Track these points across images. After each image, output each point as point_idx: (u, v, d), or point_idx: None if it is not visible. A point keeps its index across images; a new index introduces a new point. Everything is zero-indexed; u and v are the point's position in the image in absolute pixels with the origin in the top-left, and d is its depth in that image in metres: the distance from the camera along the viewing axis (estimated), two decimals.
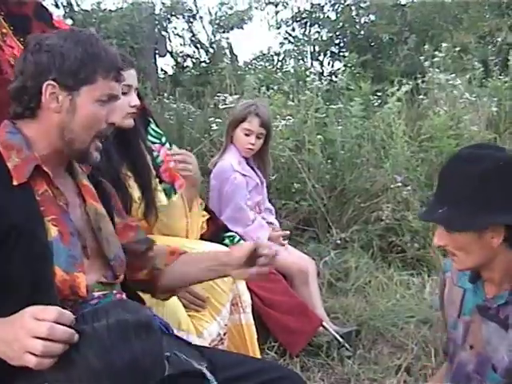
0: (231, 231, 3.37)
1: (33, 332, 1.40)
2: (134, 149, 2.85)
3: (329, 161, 5.25)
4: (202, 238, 3.12)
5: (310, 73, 6.47)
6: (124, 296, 1.84)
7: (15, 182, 1.64)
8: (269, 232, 3.73)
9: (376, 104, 6.10)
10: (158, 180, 3.00)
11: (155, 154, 3.06)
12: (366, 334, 3.58)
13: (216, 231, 3.30)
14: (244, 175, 3.71)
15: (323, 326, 3.51)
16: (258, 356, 2.90)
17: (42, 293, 1.60)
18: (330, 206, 5.09)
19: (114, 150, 2.68)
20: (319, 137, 5.16)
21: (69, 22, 8.38)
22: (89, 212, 1.82)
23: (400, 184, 4.89)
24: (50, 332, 1.40)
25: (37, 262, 1.61)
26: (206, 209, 3.25)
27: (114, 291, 1.81)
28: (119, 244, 1.90)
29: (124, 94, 2.59)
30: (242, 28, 8.98)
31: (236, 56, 8.99)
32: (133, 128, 2.74)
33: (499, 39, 8.07)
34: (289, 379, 1.87)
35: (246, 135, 3.69)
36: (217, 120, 5.70)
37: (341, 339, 3.48)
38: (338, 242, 4.85)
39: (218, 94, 6.18)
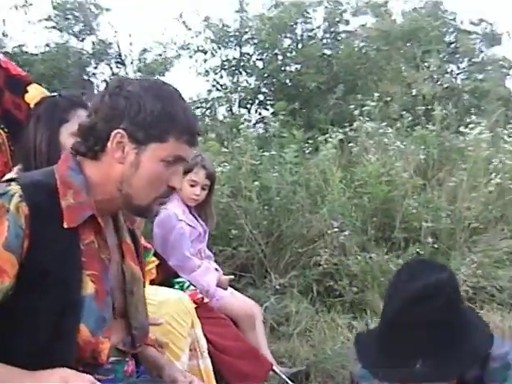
0: (180, 277, 3.39)
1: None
2: None
3: (265, 207, 5.31)
4: (152, 283, 3.11)
5: (244, 120, 6.53)
6: (133, 364, 1.80)
7: (65, 225, 1.57)
8: (217, 276, 3.74)
9: (308, 151, 6.21)
10: None
11: None
12: (315, 376, 3.62)
13: (166, 277, 3.31)
14: (189, 225, 3.72)
15: (273, 370, 3.52)
16: None
17: (60, 346, 1.54)
18: (268, 251, 5.14)
19: None
20: (256, 183, 5.21)
21: None
22: (125, 272, 1.74)
23: (337, 229, 4.98)
24: None
25: (64, 315, 1.54)
26: (156, 254, 3.24)
27: (127, 358, 1.76)
28: (146, 313, 1.84)
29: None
30: (163, 75, 9.06)
31: None
32: None
33: (413, 91, 8.41)
34: None
35: (192, 186, 3.71)
36: None
37: (290, 383, 3.50)
38: (277, 287, 4.89)
39: None
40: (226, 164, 5.45)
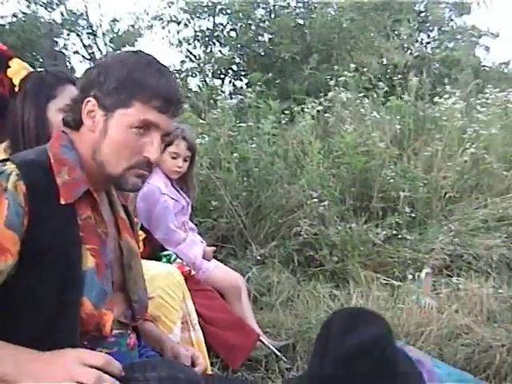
0: (167, 250, 3.41)
1: (79, 379, 1.38)
2: None
3: (244, 178, 5.34)
4: (140, 256, 3.13)
5: (220, 91, 6.53)
6: (135, 337, 1.82)
7: (62, 201, 1.57)
8: (203, 247, 3.77)
9: (285, 122, 6.24)
10: None
11: None
12: (301, 346, 3.66)
13: (153, 250, 3.34)
14: (172, 198, 3.73)
15: (260, 340, 3.57)
16: (209, 371, 2.95)
17: (64, 321, 1.54)
18: (248, 222, 5.19)
19: None
20: (235, 155, 5.23)
21: None
22: (123, 247, 1.75)
23: (316, 200, 5.03)
24: (98, 382, 1.39)
25: (66, 290, 1.54)
26: (142, 228, 3.26)
27: (129, 331, 1.77)
28: (145, 287, 1.86)
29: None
30: (133, 45, 8.99)
31: None
32: None
33: (384, 60, 8.46)
34: None
35: (173, 158, 3.71)
36: None
37: (278, 353, 3.56)
38: (258, 257, 4.94)
39: None
40: (205, 136, 5.45)
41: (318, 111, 6.41)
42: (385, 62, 8.55)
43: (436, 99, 6.41)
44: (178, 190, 3.82)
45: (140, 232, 3.17)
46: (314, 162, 5.23)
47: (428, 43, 10.84)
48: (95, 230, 1.63)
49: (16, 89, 2.72)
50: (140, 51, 1.68)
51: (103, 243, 1.65)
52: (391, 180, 5.29)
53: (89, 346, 1.56)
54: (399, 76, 7.11)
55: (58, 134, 1.69)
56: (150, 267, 2.83)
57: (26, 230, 1.50)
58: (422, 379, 1.81)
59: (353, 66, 6.80)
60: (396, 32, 9.22)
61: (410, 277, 4.52)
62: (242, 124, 5.91)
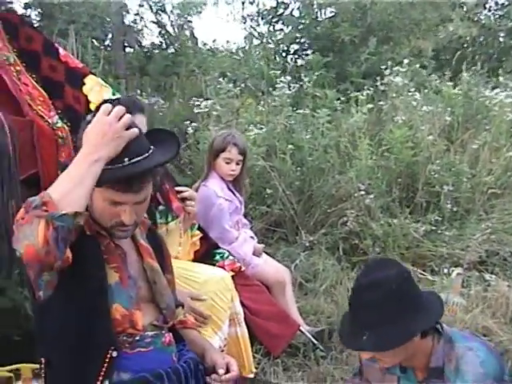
0: (221, 248, 3.84)
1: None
2: None
3: (298, 168, 5.69)
4: (197, 253, 3.57)
5: (280, 74, 6.83)
6: (171, 336, 2.26)
7: (88, 232, 2.06)
8: (253, 244, 4.18)
9: (340, 109, 6.52)
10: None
11: None
12: (337, 336, 4.05)
13: (208, 248, 3.75)
14: (226, 199, 4.15)
15: (300, 330, 4.00)
16: (252, 362, 3.41)
17: (98, 323, 2.04)
18: (299, 210, 5.56)
19: None
20: (290, 146, 5.58)
21: (36, 13, 8.54)
22: (146, 268, 2.24)
23: (363, 192, 5.37)
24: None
25: (95, 300, 2.04)
26: (199, 228, 3.68)
27: (163, 331, 2.23)
28: (172, 297, 2.32)
29: None
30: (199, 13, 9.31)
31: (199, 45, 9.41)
32: None
33: (451, 28, 8.45)
34: None
35: (227, 163, 4.14)
36: (192, 124, 6.11)
37: (315, 341, 3.98)
38: (307, 244, 5.34)
39: (194, 99, 6.54)
40: (262, 126, 5.80)
41: (373, 98, 6.67)
42: (451, 30, 8.51)
43: (487, 93, 6.54)
44: (232, 191, 4.22)
45: (197, 232, 3.62)
46: (363, 156, 5.53)
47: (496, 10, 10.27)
48: (116, 252, 2.14)
49: (91, 105, 3.14)
50: None
51: (124, 261, 2.15)
52: (436, 175, 5.55)
53: (128, 345, 2.08)
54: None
55: None
56: (202, 272, 3.28)
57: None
58: (432, 320, 2.15)
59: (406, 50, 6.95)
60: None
61: (446, 271, 4.86)
62: (299, 111, 6.20)
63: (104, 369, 2.03)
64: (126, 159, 2.00)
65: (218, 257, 3.78)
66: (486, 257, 5.08)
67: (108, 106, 2.05)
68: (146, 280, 2.22)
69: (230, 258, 3.81)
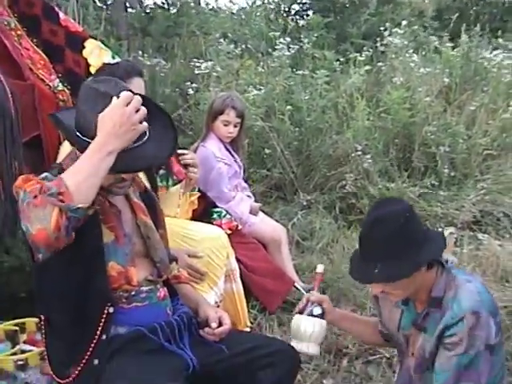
0: (218, 207, 3.95)
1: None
2: None
3: (296, 128, 5.76)
4: (194, 212, 3.68)
5: (280, 35, 6.85)
6: (165, 290, 2.38)
7: None
8: (250, 203, 4.29)
9: (338, 70, 6.56)
10: None
11: None
12: (331, 293, 4.17)
13: (206, 207, 3.86)
14: (226, 163, 4.24)
15: (295, 287, 4.13)
16: (247, 317, 3.55)
17: (96, 280, 2.15)
18: (298, 172, 5.66)
19: None
20: (288, 107, 5.65)
21: None
22: (139, 224, 2.33)
23: (360, 152, 5.45)
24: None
25: (92, 258, 2.14)
26: (199, 189, 3.78)
27: (158, 286, 2.34)
28: (165, 251, 2.43)
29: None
30: None
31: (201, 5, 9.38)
32: None
33: None
34: (284, 351, 2.45)
35: (225, 125, 4.23)
36: (193, 85, 6.17)
37: None
38: (304, 203, 5.45)
39: (194, 60, 6.59)
40: (261, 87, 5.86)
41: (372, 59, 6.71)
42: None
43: (487, 54, 6.58)
44: (230, 152, 4.32)
45: (195, 192, 3.72)
46: (360, 116, 5.60)
47: None
48: (110, 211, 2.23)
49: (91, 69, 3.22)
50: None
51: (119, 219, 2.24)
52: (432, 136, 5.63)
53: (125, 299, 2.20)
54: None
55: None
56: (199, 230, 3.39)
57: None
58: (438, 250, 2.26)
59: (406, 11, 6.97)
60: None
61: (440, 230, 4.96)
62: (298, 72, 6.25)
63: (101, 324, 2.14)
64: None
65: (215, 215, 3.90)
66: (481, 217, 5.20)
67: (129, 95, 2.03)
68: (140, 236, 2.32)
69: (227, 216, 3.93)
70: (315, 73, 6.11)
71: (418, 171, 5.66)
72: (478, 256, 4.51)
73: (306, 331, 2.52)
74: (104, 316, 2.15)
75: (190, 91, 6.17)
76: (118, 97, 2.02)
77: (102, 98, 2.04)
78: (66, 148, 2.89)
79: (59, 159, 2.73)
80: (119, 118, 1.98)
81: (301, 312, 2.57)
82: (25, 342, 2.81)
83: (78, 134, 2.09)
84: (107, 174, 2.04)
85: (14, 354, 2.72)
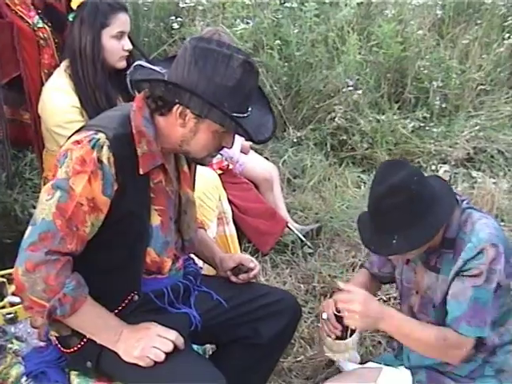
0: None
1: (161, 334, 1.96)
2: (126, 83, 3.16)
3: (285, 63, 5.59)
4: None
5: None
6: (183, 260, 2.28)
7: (141, 172, 1.95)
8: (240, 142, 4.16)
9: (328, 2, 6.34)
10: None
11: None
12: (324, 233, 4.11)
13: None
14: None
15: (288, 227, 4.04)
16: None
17: (132, 264, 2.04)
18: (287, 105, 5.51)
19: (111, 88, 3.02)
20: (277, 41, 5.47)
21: None
22: (182, 197, 2.18)
23: (351, 88, 5.31)
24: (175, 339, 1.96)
25: (136, 241, 2.02)
26: None
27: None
28: (196, 229, 2.32)
29: (118, 39, 2.95)
30: None
31: None
32: (126, 68, 3.06)
33: None
34: (284, 300, 2.39)
35: None
36: (178, 19, 5.95)
37: (303, 238, 4.03)
38: (295, 140, 5.32)
39: None
40: (249, 21, 5.66)
41: None
42: None
43: None
44: None
45: None
46: (351, 50, 5.43)
47: None
48: (164, 190, 2.06)
49: (72, 5, 3.05)
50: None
51: (169, 200, 2.09)
52: (425, 71, 5.48)
53: (150, 273, 2.10)
54: None
55: (140, 104, 2.00)
56: None
57: (115, 196, 1.92)
58: (451, 206, 2.19)
59: None
60: None
61: (433, 168, 4.89)
62: (286, 4, 6.03)
63: (120, 308, 2.05)
64: (249, 109, 1.94)
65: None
66: (474, 154, 5.12)
67: (177, 337, 1.99)
68: (178, 209, 2.18)
69: (218, 156, 3.77)
70: (304, 5, 5.88)
71: (410, 103, 5.54)
72: (473, 194, 4.44)
73: (340, 348, 2.40)
74: (126, 302, 2.06)
75: (175, 26, 5.94)
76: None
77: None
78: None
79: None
80: (145, 342, 1.94)
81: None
82: (13, 294, 2.68)
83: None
84: (209, 141, 1.97)
85: (3, 307, 2.63)
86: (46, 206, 1.86)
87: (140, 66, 2.00)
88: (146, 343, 1.93)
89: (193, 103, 1.87)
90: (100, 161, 1.87)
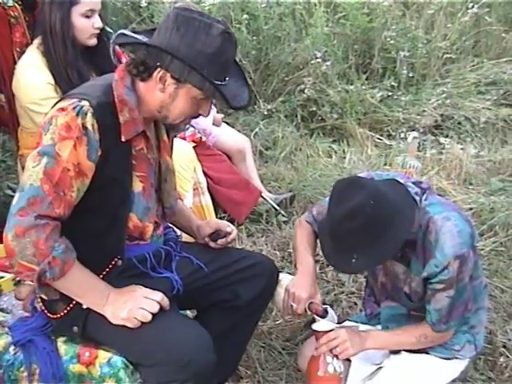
0: None
1: (147, 295, 2.03)
2: (99, 57, 3.20)
3: (254, 37, 5.63)
4: None
5: None
6: (163, 226, 2.35)
7: (123, 139, 2.01)
8: (212, 114, 4.21)
9: None
10: None
11: None
12: (297, 201, 4.20)
13: None
14: None
15: (262, 197, 4.12)
16: None
17: (116, 229, 2.10)
18: (256, 78, 5.57)
19: (83, 64, 3.06)
20: (245, 16, 5.51)
21: None
22: (161, 165, 2.24)
23: (320, 60, 5.38)
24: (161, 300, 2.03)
25: (118, 207, 2.08)
26: None
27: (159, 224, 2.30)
28: (176, 197, 2.39)
29: (88, 17, 2.98)
30: None
31: None
32: (95, 45, 3.11)
33: None
34: (262, 263, 2.47)
35: None
36: None
37: (277, 207, 4.11)
38: (265, 113, 5.39)
39: None
40: None
41: None
42: None
43: None
44: None
45: None
46: (319, 23, 5.49)
47: None
48: (146, 157, 2.13)
49: None
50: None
51: (150, 167, 2.15)
52: (391, 41, 5.56)
53: (132, 239, 2.17)
54: None
55: (122, 74, 2.06)
56: None
57: (99, 162, 1.97)
58: (410, 223, 2.18)
59: None
60: None
61: (402, 135, 4.99)
62: None
63: (105, 272, 2.11)
64: (227, 78, 2.00)
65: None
66: (442, 121, 5.22)
67: (162, 298, 2.06)
68: (158, 177, 2.24)
69: (191, 129, 3.86)
70: None
71: (377, 73, 5.62)
72: (442, 160, 4.56)
73: None
74: (110, 266, 2.12)
75: (143, 3, 5.95)
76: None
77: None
78: None
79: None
80: (131, 300, 2.01)
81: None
82: None
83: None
84: (187, 107, 2.02)
85: None
86: (32, 173, 1.90)
87: (123, 34, 2.03)
88: (133, 305, 1.99)
89: (173, 66, 1.92)
90: (85, 127, 1.92)
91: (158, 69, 1.96)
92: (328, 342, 2.32)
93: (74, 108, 1.94)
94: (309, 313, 2.40)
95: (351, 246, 2.14)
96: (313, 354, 2.38)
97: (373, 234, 2.11)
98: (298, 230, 2.57)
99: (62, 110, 1.95)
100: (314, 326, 2.37)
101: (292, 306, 2.38)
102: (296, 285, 2.40)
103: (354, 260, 2.14)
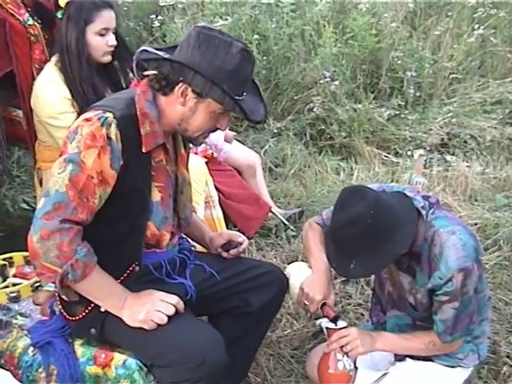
0: None
1: (164, 298, 2.13)
2: (113, 75, 3.32)
3: (264, 57, 5.75)
4: None
5: None
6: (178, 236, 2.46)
7: (144, 150, 2.11)
8: (224, 131, 4.32)
9: None
10: None
11: None
12: (306, 216, 4.27)
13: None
14: None
15: (271, 212, 4.21)
16: None
17: (134, 237, 2.20)
18: (266, 97, 5.65)
19: (98, 80, 3.18)
20: (256, 36, 5.63)
21: None
22: (178, 177, 2.35)
23: (328, 79, 5.48)
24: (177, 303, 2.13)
25: (138, 215, 2.18)
26: None
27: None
28: (191, 209, 2.50)
29: (102, 35, 3.10)
30: None
31: None
32: (110, 62, 3.24)
33: None
34: (272, 272, 2.57)
35: None
36: (158, 18, 6.10)
37: (286, 222, 4.19)
38: (275, 131, 5.49)
39: None
40: (228, 17, 5.81)
41: None
42: None
43: None
44: None
45: None
46: (328, 43, 5.60)
47: None
48: (165, 168, 2.23)
49: (60, 2, 3.18)
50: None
51: (169, 179, 2.25)
52: (399, 61, 5.67)
53: (148, 247, 2.27)
54: None
55: (144, 88, 2.16)
56: None
57: (121, 172, 2.08)
58: (410, 234, 2.24)
59: None
60: None
61: (409, 153, 5.08)
62: (263, 1, 6.16)
63: (122, 278, 2.20)
64: (245, 94, 2.12)
65: (190, 144, 3.91)
66: (448, 139, 5.31)
67: (177, 301, 2.16)
68: (175, 189, 2.34)
69: (203, 145, 3.95)
70: (281, 1, 6.06)
71: (385, 93, 5.72)
72: (448, 177, 4.64)
73: None
74: (128, 272, 2.21)
75: (156, 24, 6.09)
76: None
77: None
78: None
79: None
80: (148, 303, 2.10)
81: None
82: (14, 276, 2.83)
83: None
84: (206, 120, 2.12)
85: (6, 287, 2.75)
86: (58, 179, 2.00)
87: (145, 50, 2.14)
88: (150, 307, 2.09)
89: (195, 81, 2.02)
90: (109, 137, 2.03)
91: (180, 84, 2.07)
92: (339, 339, 2.38)
93: (99, 119, 2.04)
94: (321, 313, 2.47)
95: (351, 251, 2.23)
96: (324, 351, 2.45)
97: (372, 242, 2.18)
98: (309, 230, 2.65)
99: (88, 120, 2.06)
100: (326, 324, 2.44)
101: (305, 304, 2.46)
102: (310, 285, 2.46)
103: (352, 266, 2.22)
